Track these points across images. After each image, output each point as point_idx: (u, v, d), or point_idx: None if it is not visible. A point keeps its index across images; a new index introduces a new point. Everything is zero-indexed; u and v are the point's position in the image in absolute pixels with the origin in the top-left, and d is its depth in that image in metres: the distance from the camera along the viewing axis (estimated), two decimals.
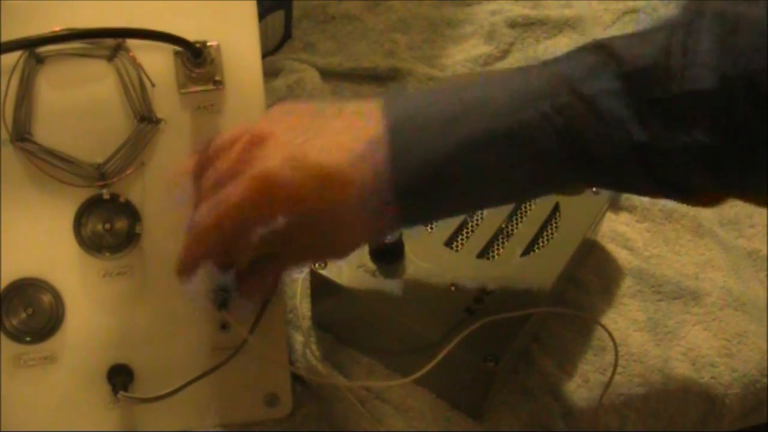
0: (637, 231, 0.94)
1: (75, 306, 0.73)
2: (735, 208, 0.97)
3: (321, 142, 0.61)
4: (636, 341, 0.84)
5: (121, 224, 0.73)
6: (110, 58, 0.70)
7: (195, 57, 0.70)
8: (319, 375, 0.79)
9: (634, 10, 1.21)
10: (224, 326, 0.75)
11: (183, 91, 0.72)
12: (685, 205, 0.94)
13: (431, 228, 0.81)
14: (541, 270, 0.79)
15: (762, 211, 0.96)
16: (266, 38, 1.08)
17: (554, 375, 0.81)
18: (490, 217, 0.82)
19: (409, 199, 0.61)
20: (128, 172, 0.72)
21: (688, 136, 0.56)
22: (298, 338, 0.82)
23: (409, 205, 0.62)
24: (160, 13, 0.71)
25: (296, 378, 0.79)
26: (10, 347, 0.72)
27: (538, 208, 0.84)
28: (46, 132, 0.70)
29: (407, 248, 0.78)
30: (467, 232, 0.81)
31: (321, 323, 0.83)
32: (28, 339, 0.72)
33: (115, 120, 0.71)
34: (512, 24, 1.17)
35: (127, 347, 0.74)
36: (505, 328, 0.73)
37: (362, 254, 0.78)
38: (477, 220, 0.82)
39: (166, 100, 0.72)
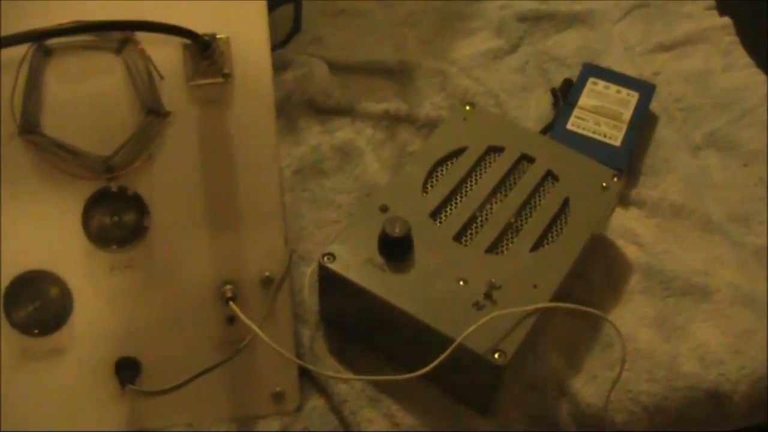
0: (647, 227, 0.94)
1: (82, 299, 0.73)
2: (744, 204, 0.96)
3: None
4: (644, 337, 0.83)
5: (128, 217, 0.72)
6: (119, 51, 0.70)
7: (204, 50, 0.70)
8: (326, 369, 0.79)
9: (643, 5, 1.21)
10: (231, 320, 0.75)
11: (191, 83, 0.72)
12: (694, 201, 0.94)
13: (440, 222, 0.81)
14: (550, 265, 0.78)
15: None
16: (275, 31, 1.07)
17: (562, 371, 0.81)
18: (499, 212, 0.82)
19: None
20: (136, 164, 0.72)
21: None
22: (306, 332, 0.82)
23: None
24: (169, 6, 0.71)
25: (303, 372, 0.79)
26: (17, 339, 0.72)
27: (547, 203, 0.83)
28: (54, 124, 0.70)
29: (416, 243, 0.78)
30: (476, 227, 0.81)
31: (329, 318, 0.83)
32: (35, 331, 0.72)
33: (124, 112, 0.71)
34: (522, 18, 1.17)
35: (135, 340, 0.74)
36: (514, 323, 0.73)
37: (371, 248, 0.78)
38: (486, 214, 0.82)
39: (174, 92, 0.72)
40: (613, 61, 1.11)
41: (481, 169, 0.86)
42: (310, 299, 0.83)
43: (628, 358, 0.80)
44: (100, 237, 0.72)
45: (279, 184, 0.75)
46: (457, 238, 0.80)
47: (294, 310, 0.81)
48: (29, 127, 0.70)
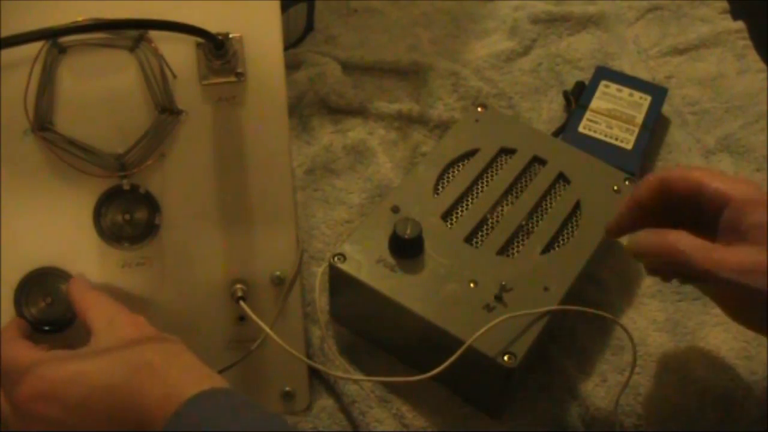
0: None
1: None
2: None
3: None
4: (655, 341, 0.83)
5: (140, 215, 0.73)
6: (132, 49, 0.70)
7: (217, 49, 0.70)
8: (336, 370, 0.79)
9: (657, 8, 1.20)
10: (242, 319, 0.75)
11: (205, 82, 0.72)
12: None
13: (451, 224, 0.81)
14: (561, 268, 0.78)
15: None
16: (288, 31, 1.08)
17: (572, 374, 0.81)
18: (511, 215, 0.82)
19: None
20: (148, 163, 0.72)
21: None
22: (316, 332, 0.82)
23: None
24: (182, 5, 0.71)
25: (313, 372, 0.79)
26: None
27: (559, 205, 0.83)
28: (67, 122, 0.70)
29: (427, 244, 0.78)
30: (487, 229, 0.81)
31: (339, 318, 0.83)
32: (46, 328, 0.72)
33: (136, 111, 0.71)
34: (535, 20, 1.16)
35: None
36: (524, 325, 0.73)
37: (382, 249, 0.78)
38: (497, 216, 0.82)
39: (187, 91, 0.72)
40: (626, 64, 1.11)
41: (492, 171, 0.86)
42: (321, 299, 0.83)
43: (638, 362, 0.80)
44: (112, 234, 0.72)
45: (291, 183, 0.75)
46: (469, 239, 0.80)
47: (304, 310, 0.81)
48: (42, 124, 0.70)
